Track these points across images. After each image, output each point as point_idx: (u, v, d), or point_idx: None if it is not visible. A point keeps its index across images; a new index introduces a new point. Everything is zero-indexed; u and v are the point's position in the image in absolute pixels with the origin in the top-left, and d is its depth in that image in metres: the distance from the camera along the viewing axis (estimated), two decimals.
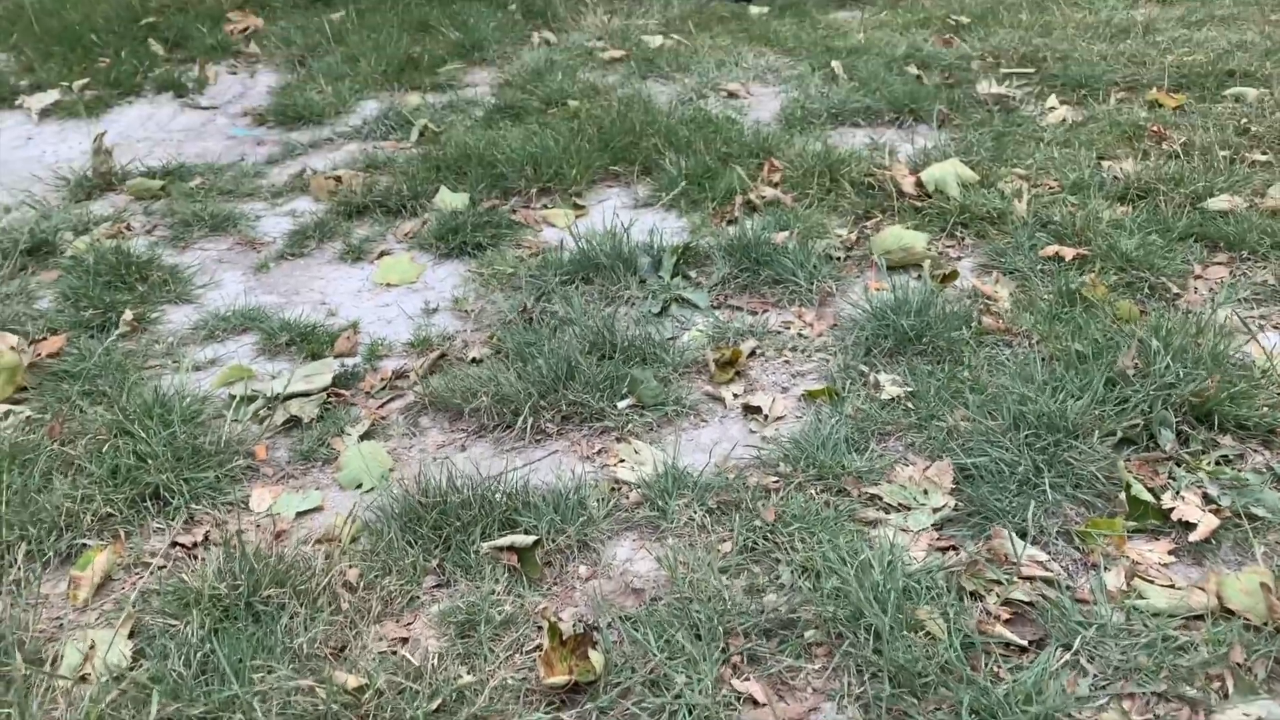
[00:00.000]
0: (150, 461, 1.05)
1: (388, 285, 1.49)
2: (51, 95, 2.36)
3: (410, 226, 1.64)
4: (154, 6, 2.85)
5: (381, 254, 1.58)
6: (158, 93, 2.39)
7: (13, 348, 1.29)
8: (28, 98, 2.36)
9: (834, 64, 2.11)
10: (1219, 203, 1.40)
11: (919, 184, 1.55)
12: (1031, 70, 1.98)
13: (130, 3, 2.84)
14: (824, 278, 1.36)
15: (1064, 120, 1.79)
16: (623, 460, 1.07)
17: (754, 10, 2.64)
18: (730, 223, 1.56)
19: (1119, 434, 1.00)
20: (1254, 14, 2.20)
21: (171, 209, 1.75)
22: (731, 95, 2.07)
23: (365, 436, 1.14)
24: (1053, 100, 1.86)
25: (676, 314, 1.35)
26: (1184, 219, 1.38)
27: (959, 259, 1.41)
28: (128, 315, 1.39)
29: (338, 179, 1.78)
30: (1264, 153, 1.56)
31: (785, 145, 1.77)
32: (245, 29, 2.74)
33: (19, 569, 0.94)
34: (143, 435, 1.08)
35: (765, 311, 1.33)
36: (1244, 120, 1.67)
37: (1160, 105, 1.80)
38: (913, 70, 2.07)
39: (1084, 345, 1.12)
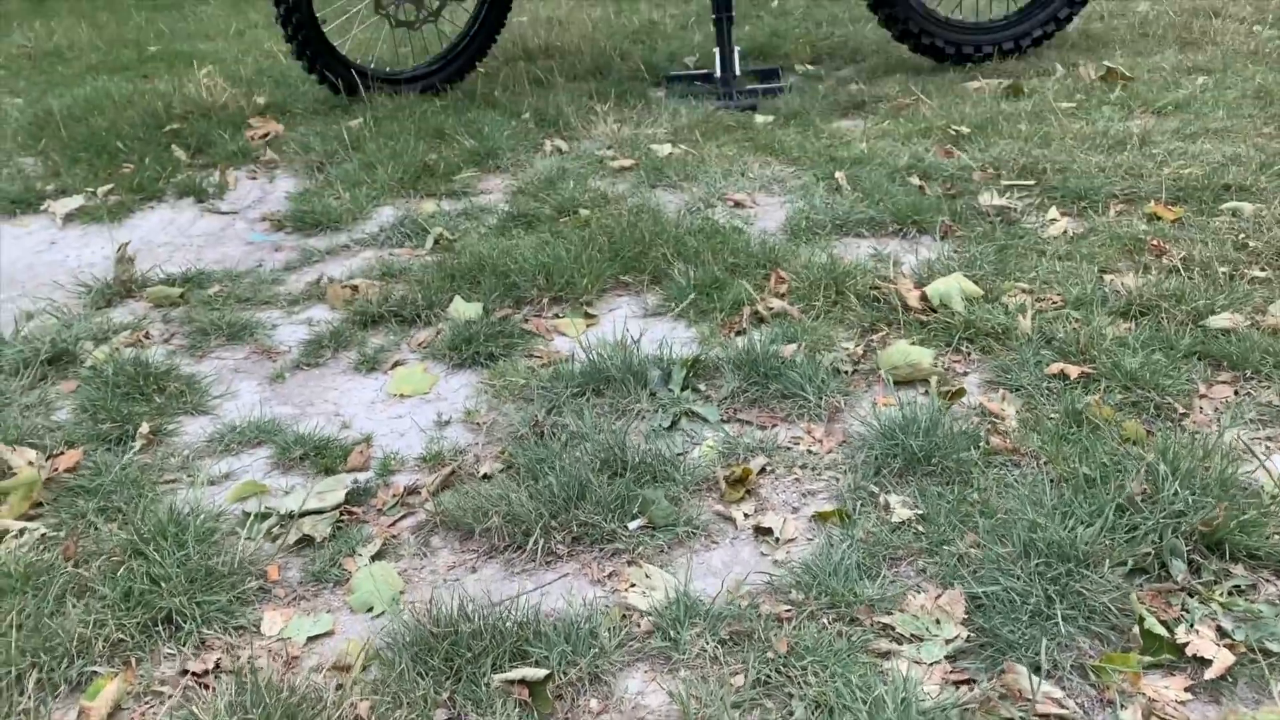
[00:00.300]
0: (164, 585, 1.06)
1: (401, 396, 1.51)
2: (76, 200, 2.42)
3: (424, 336, 1.67)
4: (178, 113, 2.94)
5: (395, 364, 1.60)
6: (179, 198, 2.45)
7: (30, 463, 1.30)
8: (53, 203, 2.43)
9: (838, 175, 2.17)
10: (1220, 321, 1.42)
11: (924, 298, 1.58)
12: (1032, 183, 2.03)
13: (156, 109, 2.94)
14: (832, 392, 1.38)
15: (1065, 232, 1.83)
16: (634, 585, 1.07)
17: (759, 119, 2.72)
18: (739, 334, 1.59)
19: (1130, 563, 1.00)
20: (1246, 127, 2.26)
21: (190, 316, 1.79)
22: (738, 205, 2.12)
23: (377, 556, 1.15)
24: (1053, 212, 1.91)
25: (686, 428, 1.36)
26: (1187, 337, 1.40)
27: (965, 375, 1.43)
28: (144, 428, 1.41)
29: (354, 288, 1.82)
30: (1262, 269, 1.59)
31: (791, 256, 1.80)
32: (265, 134, 2.83)
33: (29, 697, 0.94)
34: (157, 557, 1.09)
35: (774, 426, 1.35)
36: (1241, 235, 1.70)
37: (1159, 218, 1.84)
38: (915, 181, 2.12)
39: (1092, 468, 1.13)
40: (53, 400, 1.52)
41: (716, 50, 3.03)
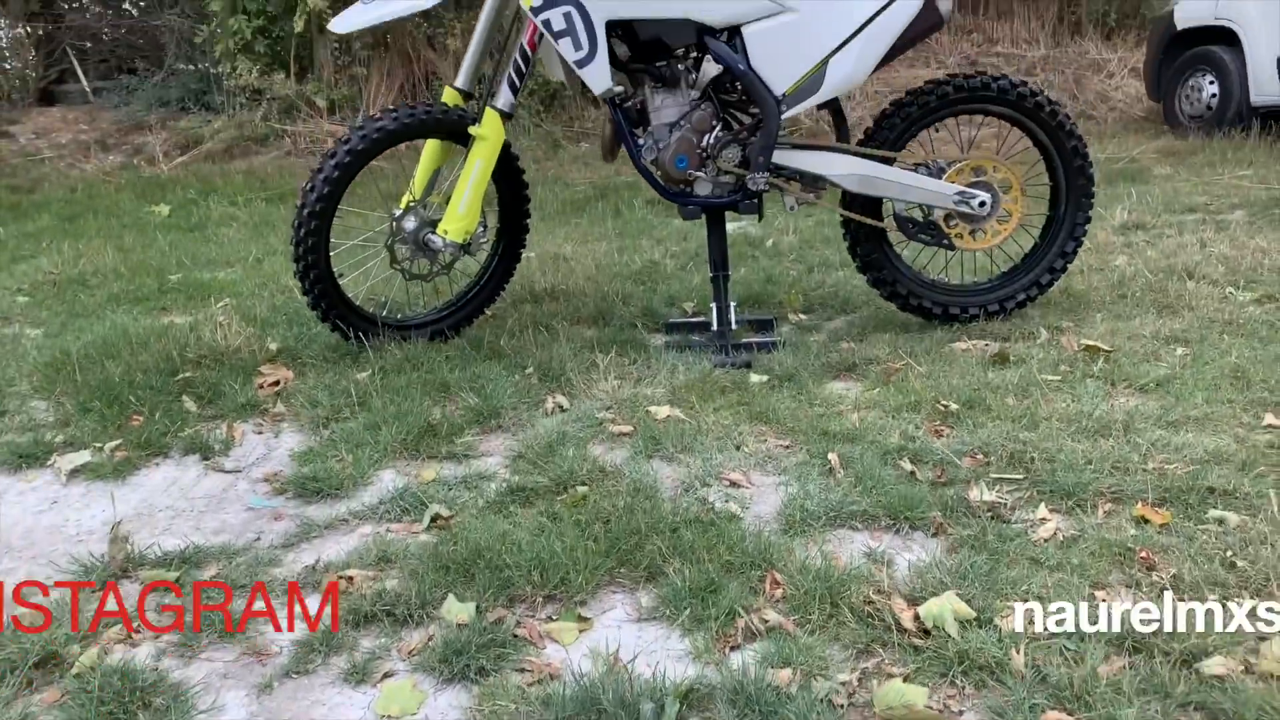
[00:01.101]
0: None
1: (388, 716, 1.49)
2: (83, 456, 2.47)
3: (416, 641, 1.66)
4: (191, 358, 3.03)
5: (385, 675, 1.59)
6: (184, 454, 2.50)
7: None
8: (59, 458, 2.47)
9: (831, 456, 2.22)
10: (1213, 666, 1.42)
11: (917, 618, 1.59)
12: (1020, 476, 2.07)
13: (170, 354, 3.03)
14: None
15: (1055, 534, 1.86)
16: None
17: (754, 378, 2.80)
18: (733, 649, 1.58)
19: None
20: (1226, 415, 2.33)
21: (183, 607, 1.79)
22: (734, 485, 2.16)
23: None
24: (1043, 510, 1.94)
25: None
26: (1181, 683, 1.40)
27: (960, 714, 1.41)
28: None
29: (350, 579, 1.82)
30: (1252, 597, 1.60)
31: (786, 554, 1.82)
32: (276, 382, 2.91)
33: None
34: None
35: None
36: (1229, 553, 1.72)
37: (1147, 521, 1.87)
38: (906, 465, 2.17)
39: None
40: (35, 713, 1.50)
41: (714, 305, 3.16)
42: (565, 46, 2.85)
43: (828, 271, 4.04)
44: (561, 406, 2.69)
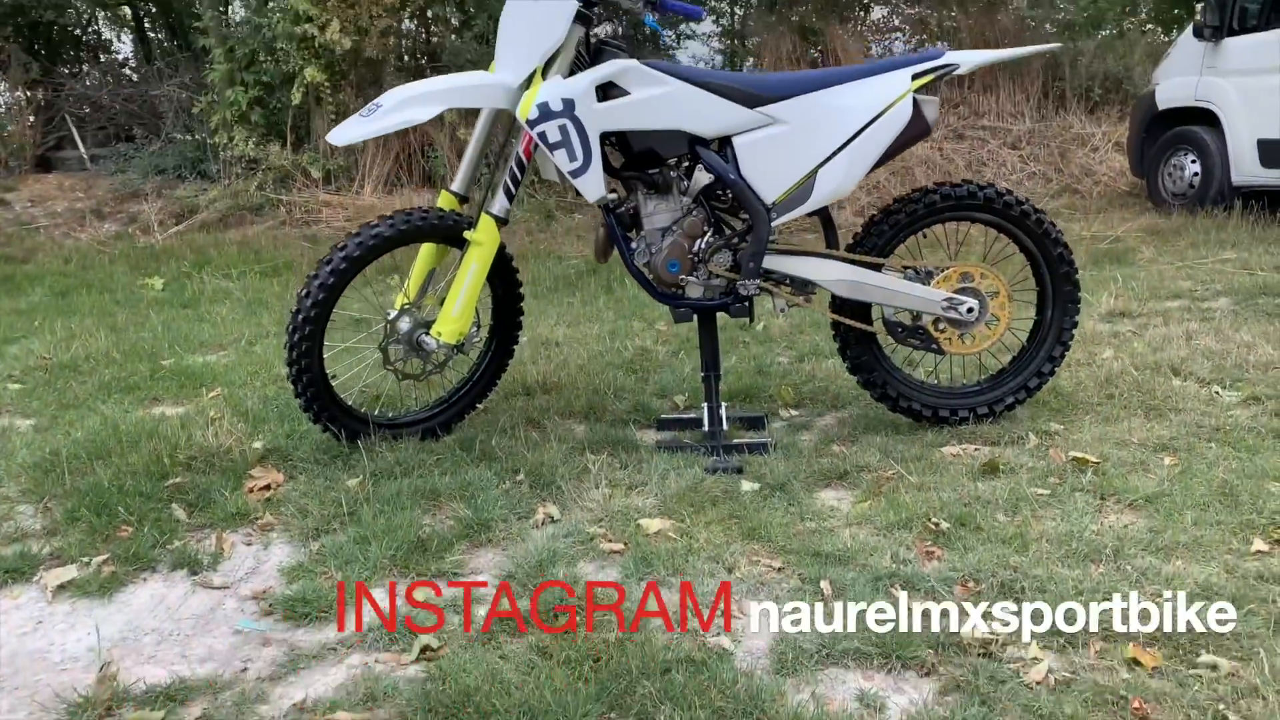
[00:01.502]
0: None
1: None
2: (70, 572, 2.45)
3: None
4: (182, 460, 3.02)
5: None
6: (172, 569, 2.48)
7: None
8: (45, 574, 2.45)
9: (823, 584, 2.21)
10: None
11: None
12: (1013, 608, 2.07)
13: (160, 455, 3.02)
14: None
15: (1047, 676, 1.85)
16: None
17: (746, 486, 2.81)
18: None
19: None
20: (1215, 540, 2.34)
21: None
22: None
23: None
24: (1034, 649, 1.94)
25: None
26: None
27: None
28: None
29: None
30: None
31: (778, 699, 1.81)
32: (266, 486, 2.90)
33: None
34: None
35: None
36: (1221, 705, 1.72)
37: (1139, 663, 1.87)
38: (898, 592, 2.17)
39: None
40: None
41: (705, 405, 3.18)
42: (560, 158, 2.90)
43: (818, 361, 4.07)
44: (552, 517, 2.68)
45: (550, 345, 4.43)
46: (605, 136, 2.97)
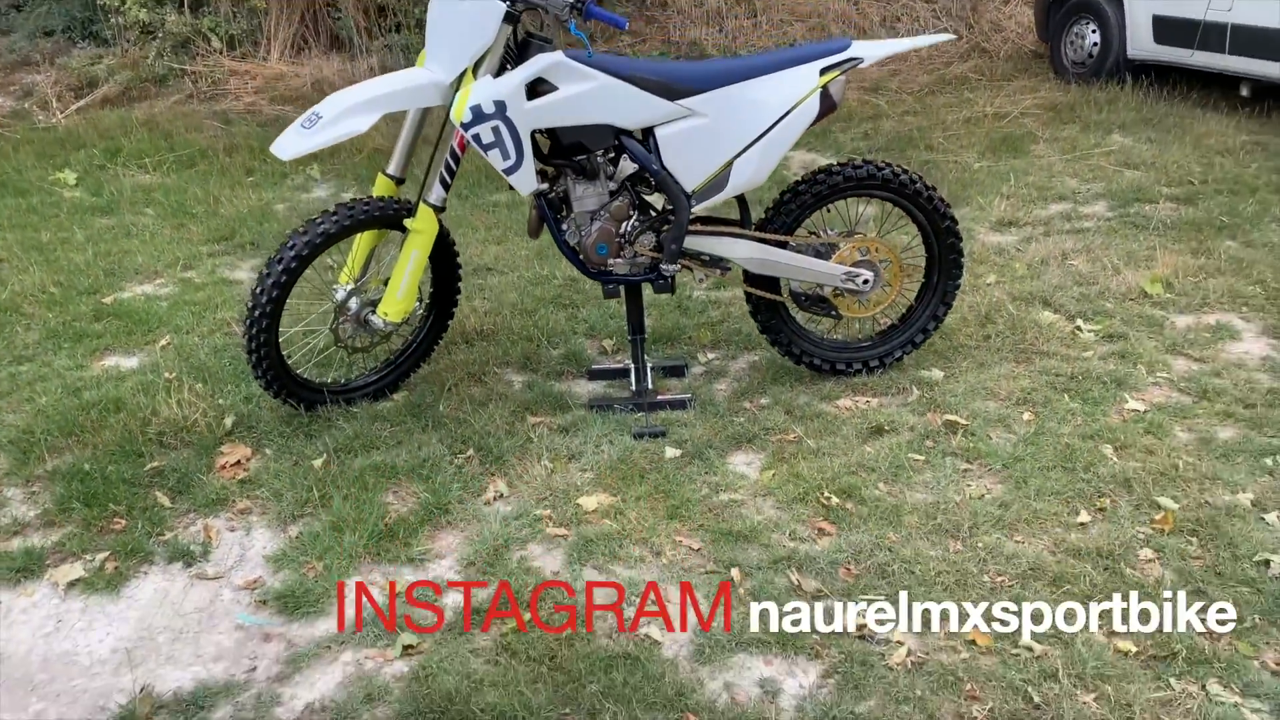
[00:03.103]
0: None
1: None
2: (76, 569, 2.77)
3: None
4: (153, 435, 3.29)
5: None
6: (169, 562, 2.82)
7: None
8: (54, 570, 2.77)
9: (734, 571, 2.68)
10: None
11: None
12: (884, 593, 2.57)
13: (132, 433, 3.28)
14: None
15: (907, 658, 2.37)
16: None
17: (669, 453, 3.22)
18: None
19: None
20: (1050, 511, 2.86)
21: None
22: (654, 601, 2.61)
23: None
24: (901, 629, 2.46)
25: None
26: None
27: None
28: None
29: None
30: None
31: (698, 688, 2.30)
32: (237, 461, 3.21)
33: None
34: None
35: None
36: (1030, 688, 2.27)
37: (975, 644, 2.40)
38: (794, 576, 2.65)
39: None
40: None
41: (632, 366, 3.54)
42: (494, 157, 3.08)
43: (734, 290, 4.41)
44: (501, 493, 3.07)
45: (482, 272, 4.66)
46: (535, 130, 3.14)
